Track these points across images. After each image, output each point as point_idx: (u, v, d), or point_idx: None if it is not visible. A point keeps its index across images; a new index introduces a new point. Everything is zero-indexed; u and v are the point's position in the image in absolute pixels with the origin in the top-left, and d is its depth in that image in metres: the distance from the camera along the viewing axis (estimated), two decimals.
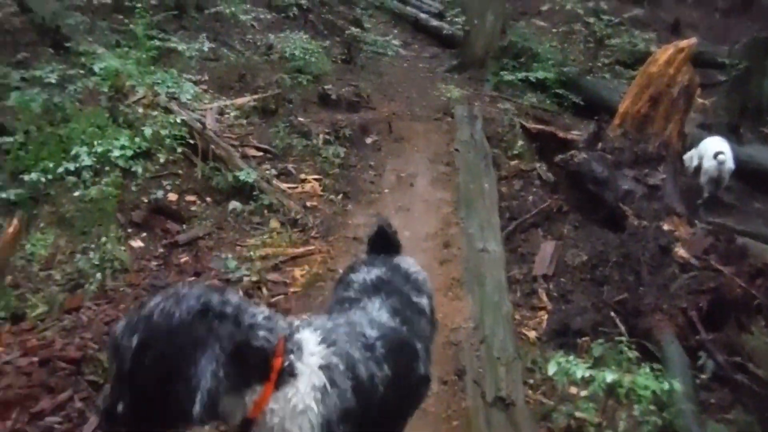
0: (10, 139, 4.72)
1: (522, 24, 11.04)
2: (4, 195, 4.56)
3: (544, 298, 4.76)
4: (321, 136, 6.55)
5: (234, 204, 5.31)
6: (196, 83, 6.53)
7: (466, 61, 9.79)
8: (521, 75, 8.95)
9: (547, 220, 5.77)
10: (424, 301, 2.42)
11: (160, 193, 5.07)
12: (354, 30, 9.49)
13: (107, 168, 4.76)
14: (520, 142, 7.15)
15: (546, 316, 4.56)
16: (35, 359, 3.29)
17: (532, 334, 4.37)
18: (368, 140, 7.04)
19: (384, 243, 2.65)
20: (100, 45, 6.39)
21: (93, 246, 4.45)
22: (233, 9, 7.74)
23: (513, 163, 6.92)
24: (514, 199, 6.19)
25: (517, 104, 8.49)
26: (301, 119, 6.87)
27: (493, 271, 4.75)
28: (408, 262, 2.61)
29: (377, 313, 2.16)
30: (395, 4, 11.84)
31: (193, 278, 4.47)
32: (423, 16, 11.66)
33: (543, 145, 6.77)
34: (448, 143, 7.08)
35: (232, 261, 4.62)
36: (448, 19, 11.72)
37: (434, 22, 11.50)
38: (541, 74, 8.82)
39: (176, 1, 8.36)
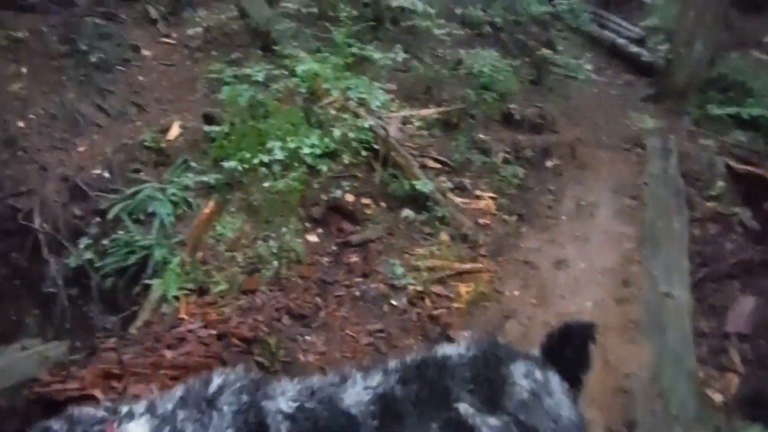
0: (218, 128, 5.17)
1: (736, 56, 10.00)
2: (205, 178, 5.01)
3: (737, 359, 4.19)
4: (501, 154, 6.40)
5: (407, 212, 5.35)
6: (385, 92, 6.70)
7: (664, 91, 9.05)
8: (732, 110, 8.07)
9: (746, 272, 5.11)
10: (489, 422, 1.75)
11: (338, 193, 5.25)
12: (545, 51, 9.21)
13: (296, 164, 5.02)
14: (720, 183, 6.43)
15: (737, 380, 4.01)
16: (213, 332, 3.53)
17: (718, 398, 3.86)
18: (549, 163, 6.76)
19: (565, 349, 2.02)
20: (303, 50, 6.82)
21: (273, 235, 4.72)
22: (429, 23, 7.87)
23: (710, 204, 6.23)
24: (707, 244, 5.56)
25: (720, 141, 7.66)
26: (482, 136, 6.77)
27: (676, 320, 4.29)
28: (532, 372, 1.92)
29: (351, 389, 1.72)
30: (592, 28, 11.33)
31: (360, 279, 4.56)
32: (621, 41, 11.03)
33: (749, 189, 6.05)
34: (636, 176, 6.57)
35: (400, 268, 4.64)
36: (649, 45, 10.97)
37: (632, 48, 10.82)
38: (756, 111, 7.88)
39: (374, 14, 8.70)
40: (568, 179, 6.44)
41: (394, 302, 4.34)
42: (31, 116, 5.59)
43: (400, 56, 6.98)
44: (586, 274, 4.80)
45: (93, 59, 6.26)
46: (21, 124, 5.48)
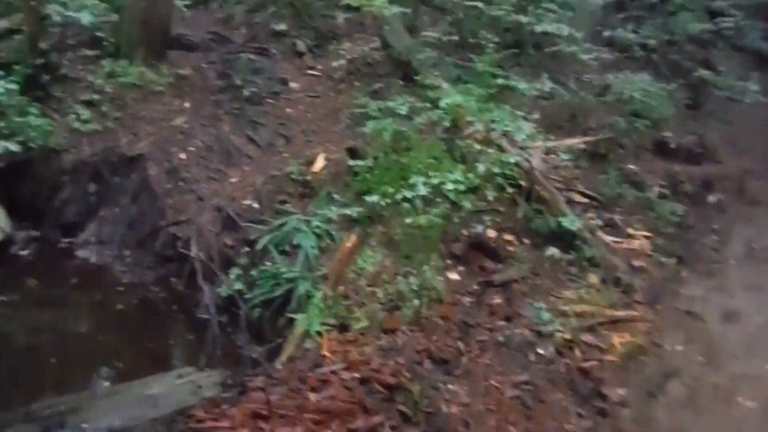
0: (362, 162, 5.22)
1: None
2: (348, 211, 5.06)
3: None
4: (656, 188, 5.92)
5: (552, 250, 5.07)
6: (528, 122, 6.46)
7: None
8: None
9: None
10: None
11: (480, 228, 5.09)
12: (703, 72, 8.51)
13: (438, 199, 4.92)
14: None
15: None
16: (356, 375, 3.48)
17: None
18: (711, 198, 6.18)
19: None
20: (444, 79, 6.77)
21: (414, 271, 4.63)
22: (575, 48, 7.53)
23: None
24: None
25: None
26: (632, 167, 6.35)
27: None
28: None
29: None
30: (760, 44, 10.30)
31: (503, 322, 4.35)
32: None
33: None
34: None
35: (546, 312, 4.37)
36: None
37: None
38: None
39: (516, 40, 8.48)
40: (736, 217, 5.84)
41: (540, 350, 4.08)
42: (191, 148, 6.00)
43: (547, 86, 6.70)
44: (763, 331, 4.26)
45: (246, 93, 6.63)
46: (182, 155, 5.89)
